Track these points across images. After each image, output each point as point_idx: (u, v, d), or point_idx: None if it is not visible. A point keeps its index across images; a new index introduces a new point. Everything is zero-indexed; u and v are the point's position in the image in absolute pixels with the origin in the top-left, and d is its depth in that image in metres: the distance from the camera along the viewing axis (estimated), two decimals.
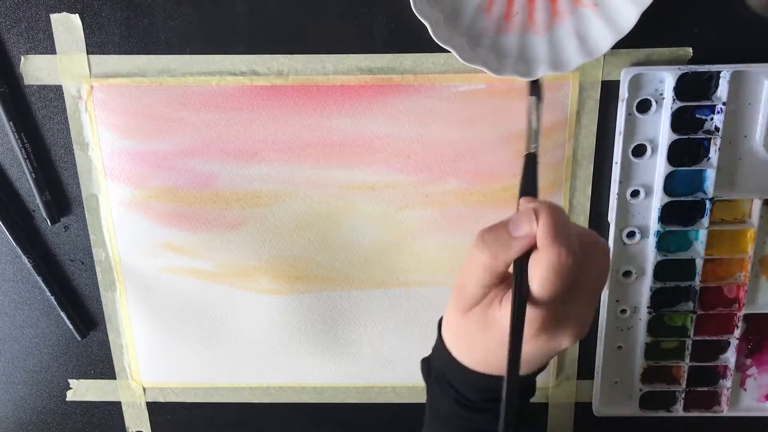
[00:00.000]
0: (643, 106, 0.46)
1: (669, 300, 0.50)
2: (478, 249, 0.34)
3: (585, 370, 0.53)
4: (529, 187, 0.37)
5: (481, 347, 0.36)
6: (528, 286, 0.33)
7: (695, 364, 0.51)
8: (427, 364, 0.41)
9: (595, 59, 0.42)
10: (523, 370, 0.36)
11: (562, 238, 0.32)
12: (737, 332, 0.50)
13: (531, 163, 0.37)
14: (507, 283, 0.35)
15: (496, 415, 0.34)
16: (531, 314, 0.33)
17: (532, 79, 0.41)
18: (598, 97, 0.46)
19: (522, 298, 0.33)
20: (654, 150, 0.46)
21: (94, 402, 0.56)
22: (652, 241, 0.48)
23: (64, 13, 0.45)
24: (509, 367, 0.32)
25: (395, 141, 0.47)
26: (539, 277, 0.32)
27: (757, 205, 0.47)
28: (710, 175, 0.46)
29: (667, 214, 0.47)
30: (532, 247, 0.33)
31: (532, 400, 0.41)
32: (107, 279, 0.52)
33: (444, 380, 0.39)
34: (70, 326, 0.53)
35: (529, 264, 0.33)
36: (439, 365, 0.39)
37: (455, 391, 0.38)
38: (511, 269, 0.34)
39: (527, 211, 0.33)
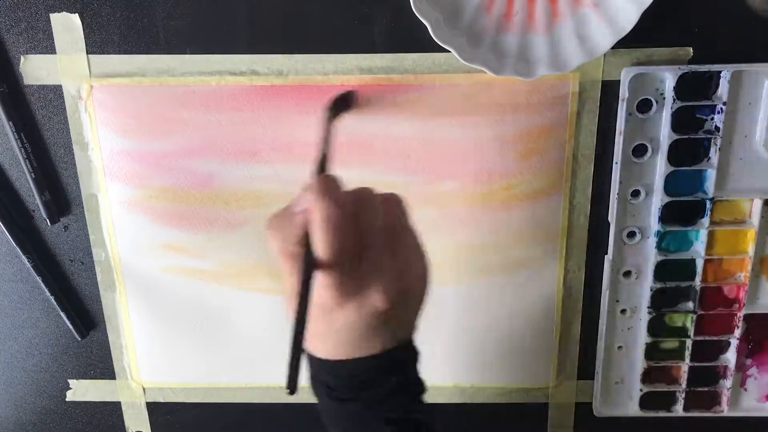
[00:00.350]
0: (644, 106, 0.45)
1: (669, 300, 0.50)
2: (270, 236, 0.35)
3: (585, 370, 0.53)
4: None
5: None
6: (314, 253, 0.34)
7: (695, 364, 0.51)
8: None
9: (595, 59, 0.42)
10: (362, 347, 0.36)
11: (328, 193, 0.34)
12: (737, 332, 0.50)
13: (323, 160, 0.39)
14: None
15: (366, 402, 0.35)
16: (326, 281, 0.34)
17: (341, 94, 0.44)
18: (598, 97, 0.46)
19: (309, 264, 0.34)
20: (654, 150, 0.46)
21: (94, 402, 0.56)
22: (652, 241, 0.48)
23: (64, 12, 0.45)
24: (294, 330, 0.33)
25: (395, 141, 0.47)
26: (317, 238, 0.33)
27: (757, 205, 0.47)
28: (710, 175, 0.46)
29: (667, 214, 0.47)
30: None
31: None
32: (107, 279, 0.52)
33: (314, 379, 0.39)
34: (70, 326, 0.53)
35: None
36: (309, 365, 0.39)
37: (323, 385, 0.38)
38: None
39: (305, 189, 0.35)
